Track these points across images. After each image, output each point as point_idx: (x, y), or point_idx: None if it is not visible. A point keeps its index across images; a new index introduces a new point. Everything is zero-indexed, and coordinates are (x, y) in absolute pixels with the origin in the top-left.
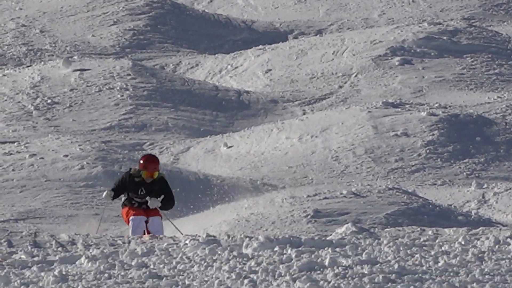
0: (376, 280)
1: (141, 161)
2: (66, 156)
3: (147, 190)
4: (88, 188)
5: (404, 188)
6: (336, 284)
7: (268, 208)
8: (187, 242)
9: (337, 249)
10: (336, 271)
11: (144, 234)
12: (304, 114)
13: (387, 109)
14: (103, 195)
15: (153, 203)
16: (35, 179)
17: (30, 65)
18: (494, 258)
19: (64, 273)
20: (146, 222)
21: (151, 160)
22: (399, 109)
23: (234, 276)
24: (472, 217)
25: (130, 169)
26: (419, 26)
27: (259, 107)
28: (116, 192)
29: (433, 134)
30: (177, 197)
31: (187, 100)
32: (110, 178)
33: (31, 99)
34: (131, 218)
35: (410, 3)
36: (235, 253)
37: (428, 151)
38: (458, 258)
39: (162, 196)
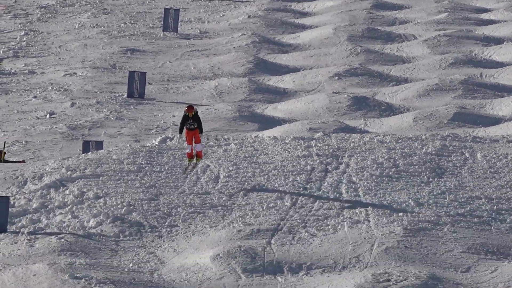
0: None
1: (185, 108)
2: None
3: (192, 119)
4: None
5: None
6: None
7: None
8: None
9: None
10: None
11: (192, 151)
12: None
13: None
14: (178, 136)
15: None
16: None
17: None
18: None
19: None
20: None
21: (190, 106)
22: None
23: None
24: None
25: (184, 114)
26: None
27: None
28: (181, 127)
29: None
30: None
31: None
32: None
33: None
34: (187, 145)
35: None
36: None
37: None
38: None
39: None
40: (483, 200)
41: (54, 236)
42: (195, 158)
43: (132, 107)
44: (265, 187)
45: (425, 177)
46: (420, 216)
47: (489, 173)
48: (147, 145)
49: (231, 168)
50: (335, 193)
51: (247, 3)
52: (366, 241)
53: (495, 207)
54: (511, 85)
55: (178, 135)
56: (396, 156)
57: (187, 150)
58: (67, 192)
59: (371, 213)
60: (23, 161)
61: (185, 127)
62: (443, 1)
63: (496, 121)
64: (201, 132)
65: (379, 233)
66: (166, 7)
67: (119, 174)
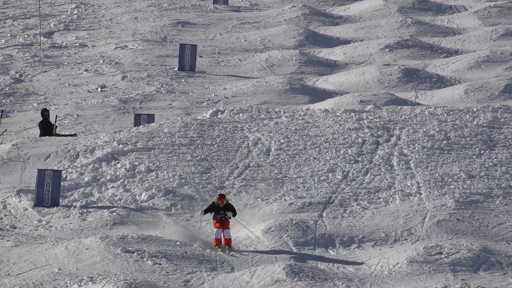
0: None
1: (217, 197)
2: None
3: (223, 210)
4: None
5: None
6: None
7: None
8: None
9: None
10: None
11: (221, 238)
12: None
13: None
14: (200, 213)
15: (229, 214)
16: None
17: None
18: None
19: None
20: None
21: (221, 195)
22: None
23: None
24: None
25: (213, 202)
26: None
27: None
28: (206, 212)
29: None
30: None
31: None
32: None
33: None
34: (216, 229)
35: None
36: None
37: None
38: None
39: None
40: None
41: (106, 209)
42: (225, 247)
43: (183, 80)
44: (317, 160)
45: (477, 149)
46: (472, 188)
47: None
48: (198, 118)
49: (282, 141)
50: (387, 166)
51: None
52: (417, 214)
53: None
54: None
55: (203, 213)
56: (448, 128)
57: (214, 236)
58: (118, 165)
59: (423, 186)
60: (75, 135)
61: (214, 216)
62: None
63: None
64: (234, 215)
65: (431, 206)
66: None
67: (171, 147)
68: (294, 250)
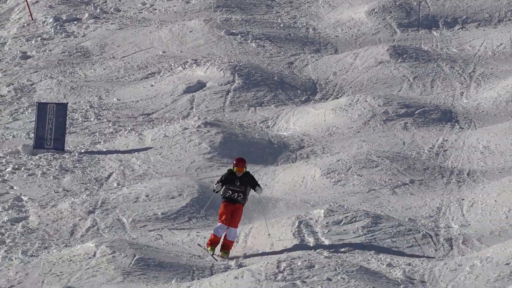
0: None
1: (234, 162)
2: None
3: (240, 182)
4: None
5: None
6: None
7: None
8: None
9: None
10: None
11: (221, 237)
12: None
13: None
14: (215, 187)
15: (258, 191)
16: None
17: None
18: None
19: None
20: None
21: (239, 160)
22: None
23: None
24: None
25: (229, 169)
26: None
27: None
28: (221, 184)
29: None
30: None
31: None
32: None
33: None
34: (219, 224)
35: None
36: None
37: None
38: None
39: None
40: None
41: None
42: (218, 250)
43: None
44: None
45: None
46: None
47: None
48: None
49: None
50: None
51: None
52: None
53: None
54: None
55: (214, 187)
56: None
57: (215, 231)
58: None
59: None
60: None
61: (224, 194)
62: None
63: None
64: (256, 188)
65: None
66: None
67: None
68: (398, 31)
